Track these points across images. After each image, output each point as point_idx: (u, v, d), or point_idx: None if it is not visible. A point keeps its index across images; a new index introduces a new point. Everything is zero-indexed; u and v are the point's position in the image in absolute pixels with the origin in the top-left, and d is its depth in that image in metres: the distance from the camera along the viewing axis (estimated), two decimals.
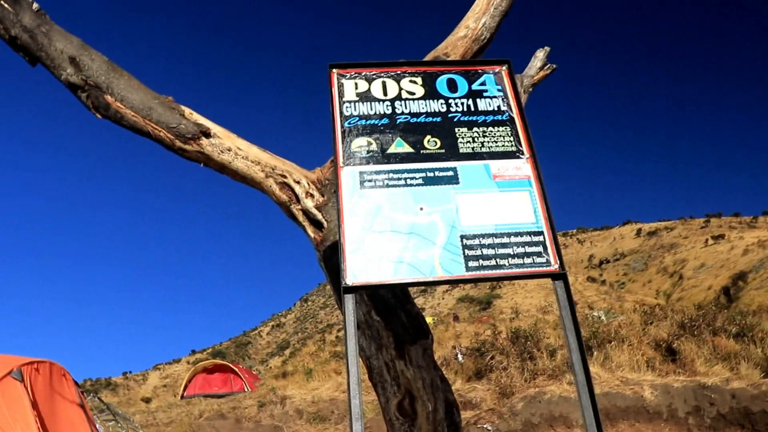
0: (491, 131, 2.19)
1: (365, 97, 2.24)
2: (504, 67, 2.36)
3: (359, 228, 1.94)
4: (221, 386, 18.83)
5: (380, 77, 2.30)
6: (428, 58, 3.03)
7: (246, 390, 17.47)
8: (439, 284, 1.96)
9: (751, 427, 6.14)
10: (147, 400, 25.49)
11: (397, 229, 1.95)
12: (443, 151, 2.13)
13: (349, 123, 2.17)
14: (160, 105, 2.75)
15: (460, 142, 2.15)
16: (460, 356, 11.12)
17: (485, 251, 1.92)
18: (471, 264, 1.89)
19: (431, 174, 2.07)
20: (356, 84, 2.27)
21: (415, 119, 2.21)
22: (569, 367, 7.85)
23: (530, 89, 3.67)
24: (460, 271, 1.88)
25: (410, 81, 2.30)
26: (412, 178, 2.06)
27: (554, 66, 3.76)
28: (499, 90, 2.29)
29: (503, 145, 2.15)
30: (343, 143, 2.12)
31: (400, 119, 2.20)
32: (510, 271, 1.90)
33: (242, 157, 2.75)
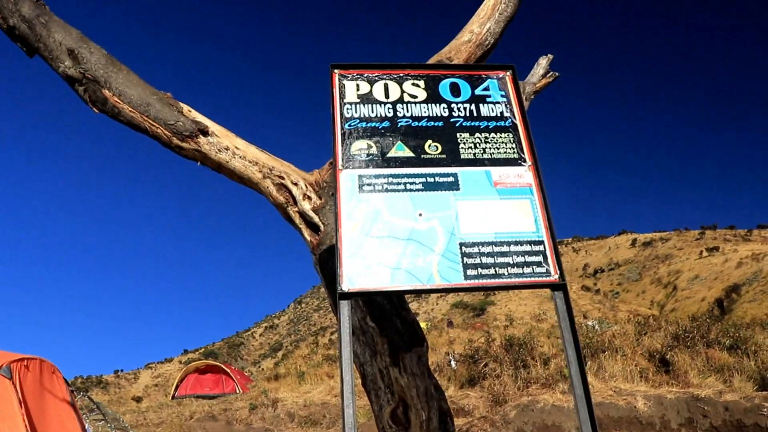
0: (493, 137, 2.15)
1: (367, 99, 2.20)
2: (508, 73, 2.32)
3: (357, 232, 1.90)
4: (213, 387, 18.73)
5: (382, 79, 2.26)
6: (431, 61, 3.00)
7: (238, 391, 17.38)
8: (436, 292, 1.92)
9: None
10: (138, 399, 25.33)
11: (395, 234, 1.90)
12: (444, 156, 2.09)
13: (349, 125, 2.13)
14: (159, 101, 2.71)
15: (462, 148, 2.11)
16: (453, 363, 11.08)
17: (484, 260, 1.87)
18: (469, 272, 1.85)
19: (431, 179, 2.03)
20: (358, 85, 2.23)
21: (416, 123, 2.17)
22: (567, 378, 7.83)
23: (532, 96, 3.64)
24: (458, 280, 1.83)
25: (413, 84, 2.27)
26: (411, 183, 2.02)
27: (557, 74, 3.73)
28: (502, 96, 2.26)
29: (505, 152, 2.11)
30: (342, 145, 2.08)
31: (402, 122, 2.16)
32: (509, 280, 1.85)
33: (240, 157, 2.71)
